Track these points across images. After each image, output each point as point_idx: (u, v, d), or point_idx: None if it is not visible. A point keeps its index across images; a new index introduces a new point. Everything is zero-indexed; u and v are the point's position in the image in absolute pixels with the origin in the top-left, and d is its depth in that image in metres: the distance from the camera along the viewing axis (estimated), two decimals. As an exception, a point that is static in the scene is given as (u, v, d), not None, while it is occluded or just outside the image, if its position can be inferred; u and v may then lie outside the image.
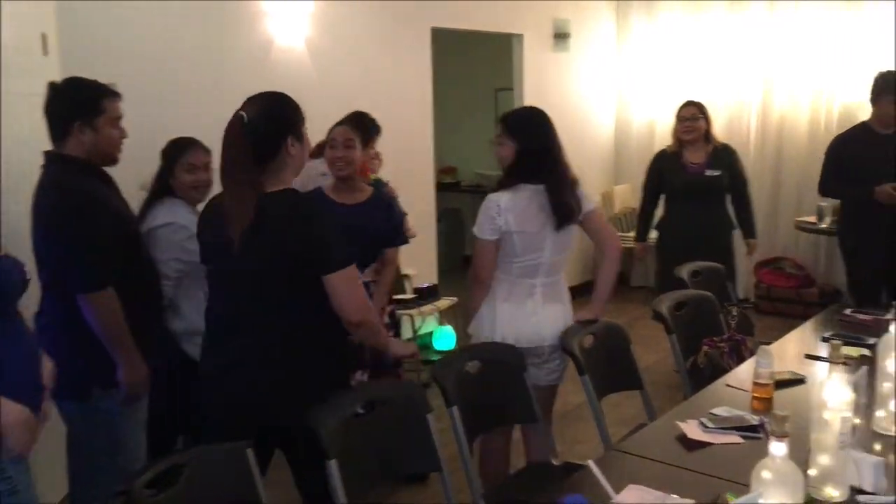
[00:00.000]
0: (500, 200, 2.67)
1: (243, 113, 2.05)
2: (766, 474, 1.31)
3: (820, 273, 6.15)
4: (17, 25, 2.80)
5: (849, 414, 1.65)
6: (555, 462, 2.57)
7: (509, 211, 2.66)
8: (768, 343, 3.24)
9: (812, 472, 1.69)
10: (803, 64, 6.02)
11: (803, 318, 5.58)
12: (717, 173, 4.38)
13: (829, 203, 5.32)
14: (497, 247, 2.69)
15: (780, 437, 1.29)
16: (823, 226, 5.35)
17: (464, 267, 4.88)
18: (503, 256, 2.72)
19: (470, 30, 5.73)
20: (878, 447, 1.97)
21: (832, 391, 1.65)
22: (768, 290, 6.09)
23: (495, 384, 2.54)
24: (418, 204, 5.16)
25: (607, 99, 7.06)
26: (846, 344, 2.77)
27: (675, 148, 4.53)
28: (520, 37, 6.05)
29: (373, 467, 2.07)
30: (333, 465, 1.88)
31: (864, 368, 1.91)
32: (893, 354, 1.98)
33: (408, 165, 4.97)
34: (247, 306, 2.09)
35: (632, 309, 6.44)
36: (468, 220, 7.25)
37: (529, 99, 6.11)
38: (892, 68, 5.53)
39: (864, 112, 5.72)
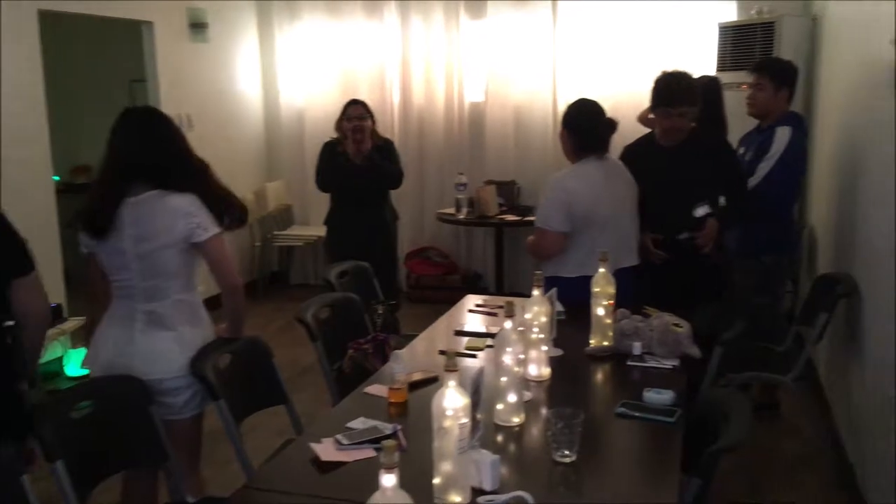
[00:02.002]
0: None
1: None
2: (378, 509, 1.25)
3: (462, 260, 6.62)
4: None
5: (466, 420, 1.67)
6: (189, 500, 2.33)
7: None
8: (415, 335, 3.35)
9: (436, 480, 1.70)
10: (434, 65, 6.41)
11: (449, 302, 6.02)
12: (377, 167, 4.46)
13: (464, 196, 5.72)
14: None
15: (390, 468, 1.23)
16: (461, 217, 5.73)
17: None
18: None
19: (86, 14, 5.11)
20: (500, 439, 2.06)
21: (449, 399, 1.66)
22: (418, 280, 6.40)
23: (114, 424, 2.23)
24: (36, 214, 4.50)
25: (254, 93, 6.84)
26: (474, 336, 2.95)
27: (342, 146, 4.51)
28: (150, 24, 5.57)
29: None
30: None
31: (481, 367, 1.98)
32: (509, 349, 2.09)
33: (16, 171, 4.29)
34: None
35: (292, 308, 6.34)
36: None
37: (166, 92, 5.68)
38: (507, 70, 6.25)
39: (488, 110, 6.32)
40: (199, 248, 2.47)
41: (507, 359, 2.10)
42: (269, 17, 6.77)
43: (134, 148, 2.45)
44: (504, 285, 5.95)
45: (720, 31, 5.27)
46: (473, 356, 2.72)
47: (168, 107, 5.67)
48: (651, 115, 3.42)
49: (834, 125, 4.09)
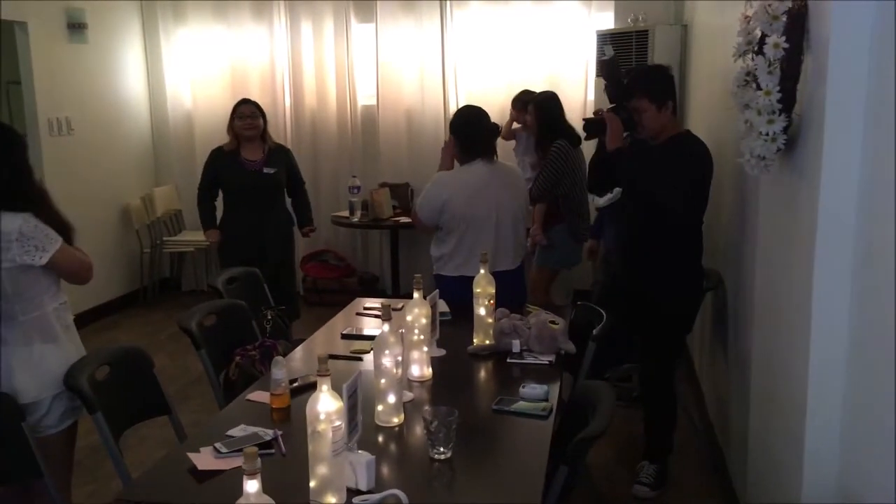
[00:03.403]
0: None
1: None
2: (242, 514, 1.28)
3: (359, 262, 6.63)
4: None
5: (339, 423, 1.71)
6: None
7: None
8: (302, 340, 3.36)
9: (312, 483, 1.74)
10: (325, 68, 6.40)
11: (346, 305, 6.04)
12: (273, 171, 4.47)
13: (358, 199, 5.75)
14: None
15: (252, 474, 1.26)
16: (355, 220, 5.75)
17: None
18: None
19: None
20: (380, 439, 2.12)
21: (322, 403, 1.70)
22: (314, 282, 6.38)
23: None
24: None
25: (139, 96, 6.65)
26: (359, 339, 3.00)
27: (232, 146, 4.46)
28: (24, 24, 5.33)
29: None
30: None
31: (359, 371, 2.03)
32: (387, 352, 2.14)
33: None
34: None
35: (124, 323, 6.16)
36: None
37: (42, 94, 5.45)
38: (398, 72, 6.32)
39: (381, 113, 6.36)
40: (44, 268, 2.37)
41: (387, 361, 2.15)
42: (153, 18, 6.60)
43: None
44: (400, 287, 6.01)
45: (598, 38, 5.49)
46: (360, 359, 2.76)
47: (45, 109, 5.47)
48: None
49: (701, 129, 4.34)
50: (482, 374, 2.67)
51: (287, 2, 6.36)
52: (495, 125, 3.24)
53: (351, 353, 2.82)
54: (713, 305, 3.63)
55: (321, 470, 1.71)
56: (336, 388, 2.49)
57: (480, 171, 3.23)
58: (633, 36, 5.20)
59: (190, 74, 6.61)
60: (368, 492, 1.78)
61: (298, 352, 2.91)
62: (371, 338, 2.96)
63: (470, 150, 3.21)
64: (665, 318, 3.13)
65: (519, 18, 6.00)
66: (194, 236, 6.56)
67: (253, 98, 4.71)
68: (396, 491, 1.72)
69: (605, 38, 5.32)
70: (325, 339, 3.07)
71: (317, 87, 6.45)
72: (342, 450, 1.73)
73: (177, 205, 6.75)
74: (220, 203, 4.65)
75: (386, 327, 2.17)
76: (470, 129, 3.23)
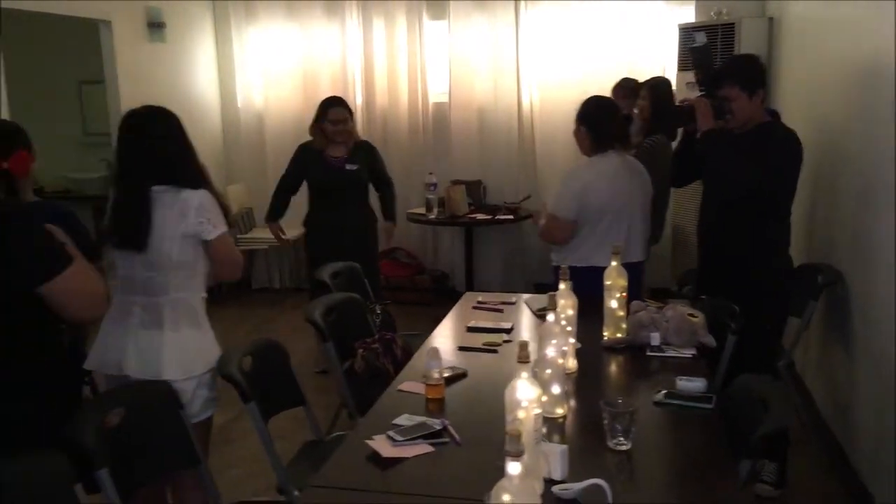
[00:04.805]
0: None
1: None
2: (506, 497, 1.25)
3: (429, 260, 6.62)
4: None
5: (539, 410, 1.69)
6: (224, 506, 2.28)
7: None
8: (414, 335, 3.34)
9: (511, 472, 1.71)
10: (397, 65, 6.40)
11: (419, 304, 6.03)
12: (356, 167, 4.47)
13: (435, 196, 5.73)
14: None
15: (516, 456, 1.24)
16: (432, 217, 5.73)
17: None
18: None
19: (47, 13, 4.91)
20: (545, 430, 2.08)
21: (522, 390, 1.67)
22: (387, 280, 6.36)
23: (146, 429, 2.16)
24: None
25: (212, 94, 6.70)
26: (488, 332, 2.97)
27: (321, 145, 4.47)
28: (108, 23, 5.39)
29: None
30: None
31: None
32: (553, 342, 2.11)
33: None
34: None
35: (258, 313, 6.24)
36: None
37: (125, 92, 5.50)
38: (470, 70, 6.30)
39: (452, 110, 6.34)
40: (206, 246, 2.43)
41: (551, 351, 2.12)
42: (225, 18, 6.64)
43: (152, 145, 2.39)
44: (474, 284, 5.98)
45: (681, 31, 5.43)
46: (494, 351, 2.74)
47: (126, 107, 5.49)
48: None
49: (801, 120, 4.26)
50: (622, 366, 2.63)
51: (359, 1, 6.37)
52: (628, 115, 3.20)
53: (483, 345, 2.79)
54: (827, 302, 3.55)
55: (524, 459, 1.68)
56: (480, 380, 2.49)
57: (615, 161, 3.20)
58: (719, 29, 5.13)
59: (261, 74, 6.65)
60: (561, 481, 1.76)
61: (427, 344, 2.88)
62: (497, 331, 2.95)
63: (603, 140, 3.18)
64: (763, 310, 3.02)
65: (594, 14, 5.95)
66: (265, 234, 6.58)
67: (323, 96, 4.71)
68: (599, 480, 1.68)
69: (691, 31, 5.26)
70: (451, 332, 3.04)
71: (388, 85, 6.44)
72: (540, 438, 1.70)
73: (248, 203, 6.78)
74: (303, 199, 4.67)
75: (551, 317, 2.14)
76: (604, 118, 3.19)
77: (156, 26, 5.84)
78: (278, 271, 6.86)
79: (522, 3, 6.09)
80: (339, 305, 3.18)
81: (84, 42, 6.03)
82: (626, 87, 4.64)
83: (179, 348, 2.39)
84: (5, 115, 4.51)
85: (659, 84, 4.43)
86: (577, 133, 3.26)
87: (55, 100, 7.15)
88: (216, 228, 2.42)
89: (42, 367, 1.98)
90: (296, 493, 2.26)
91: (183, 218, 2.35)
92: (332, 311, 3.08)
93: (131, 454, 2.06)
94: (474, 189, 6.06)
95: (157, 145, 2.40)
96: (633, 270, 3.00)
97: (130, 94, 5.55)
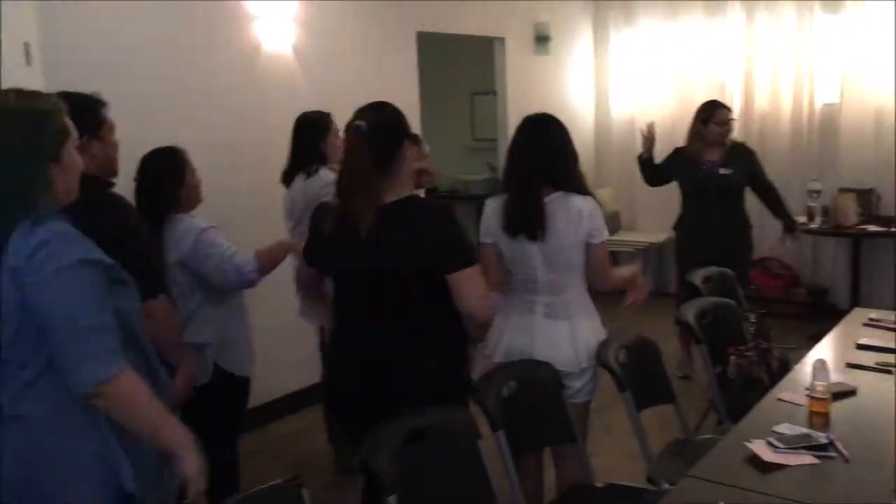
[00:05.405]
0: (488, 204, 2.68)
1: (361, 123, 2.10)
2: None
3: (806, 273, 6.16)
4: None
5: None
6: (597, 484, 2.44)
7: (489, 217, 2.65)
8: (789, 348, 3.19)
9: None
10: (781, 65, 6.06)
11: (793, 317, 5.65)
12: (730, 171, 4.37)
13: (818, 204, 5.34)
14: (495, 251, 2.64)
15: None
16: (814, 226, 5.34)
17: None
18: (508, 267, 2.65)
19: (454, 34, 5.59)
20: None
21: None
22: (757, 291, 6.07)
23: (532, 404, 2.40)
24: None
25: (586, 101, 7.00)
26: (878, 351, 2.74)
27: (698, 153, 4.46)
28: (502, 40, 5.95)
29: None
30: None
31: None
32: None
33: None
34: (374, 307, 2.16)
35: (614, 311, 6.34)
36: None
37: (512, 102, 6.01)
38: (866, 68, 5.70)
39: (843, 112, 5.82)
40: (589, 249, 2.58)
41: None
42: (604, 22, 6.86)
43: (545, 153, 2.61)
44: (860, 301, 5.43)
45: None
46: (888, 372, 2.52)
47: (512, 115, 6.03)
48: None
49: None
50: None
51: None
52: None
53: (876, 364, 2.58)
54: None
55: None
56: (870, 400, 2.32)
57: None
58: None
59: (634, 77, 6.74)
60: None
61: (815, 357, 2.75)
62: (892, 351, 2.70)
63: None
64: None
65: None
66: (631, 236, 6.72)
67: (697, 101, 4.67)
68: None
69: None
70: (836, 348, 2.86)
71: (770, 86, 6.12)
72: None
73: (616, 206, 6.95)
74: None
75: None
76: None
77: (542, 40, 6.28)
78: (645, 273, 6.91)
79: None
80: (714, 309, 3.17)
81: (477, 57, 6.70)
82: None
83: (572, 337, 2.58)
84: (418, 123, 5.23)
85: None
86: None
87: (452, 110, 8.05)
88: (601, 234, 2.59)
89: (456, 330, 2.26)
90: (665, 485, 2.33)
91: (578, 223, 2.52)
92: (706, 314, 3.09)
93: (519, 422, 2.31)
94: (865, 198, 5.51)
95: (555, 149, 2.62)
96: None
97: (516, 104, 6.06)
